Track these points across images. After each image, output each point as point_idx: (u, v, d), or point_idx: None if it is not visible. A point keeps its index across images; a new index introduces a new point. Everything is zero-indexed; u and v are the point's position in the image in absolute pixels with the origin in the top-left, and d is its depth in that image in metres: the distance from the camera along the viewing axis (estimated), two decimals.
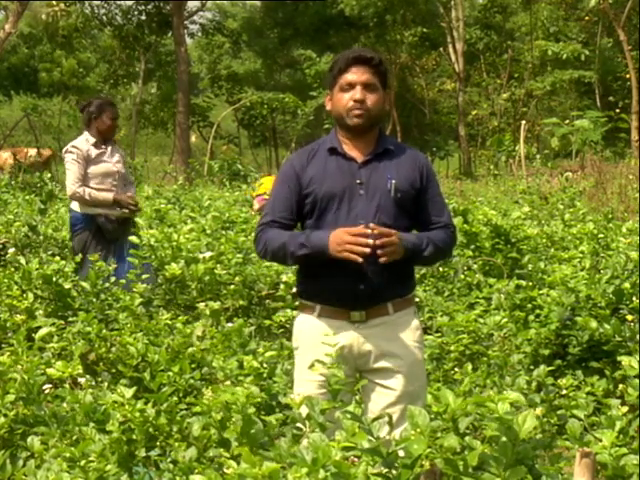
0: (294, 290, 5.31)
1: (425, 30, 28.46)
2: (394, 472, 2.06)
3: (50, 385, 3.40)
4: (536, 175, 14.14)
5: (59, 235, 7.93)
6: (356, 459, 2.18)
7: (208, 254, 5.92)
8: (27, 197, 10.60)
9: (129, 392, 2.89)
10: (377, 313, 2.94)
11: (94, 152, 5.99)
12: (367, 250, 2.73)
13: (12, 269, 5.73)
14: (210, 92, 37.49)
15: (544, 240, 7.14)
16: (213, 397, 2.80)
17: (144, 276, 5.38)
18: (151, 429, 2.88)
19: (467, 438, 2.27)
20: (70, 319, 4.87)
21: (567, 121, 18.55)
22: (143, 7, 29.43)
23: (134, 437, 2.80)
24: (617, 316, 4.76)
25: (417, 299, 5.26)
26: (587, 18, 27.30)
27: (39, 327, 4.07)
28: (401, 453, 2.09)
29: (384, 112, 3.08)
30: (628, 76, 22.92)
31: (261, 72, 35.22)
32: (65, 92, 32.00)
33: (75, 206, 6.01)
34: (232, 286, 5.75)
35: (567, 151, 19.08)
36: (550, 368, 4.21)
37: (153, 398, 3.03)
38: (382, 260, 2.77)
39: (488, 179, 17.51)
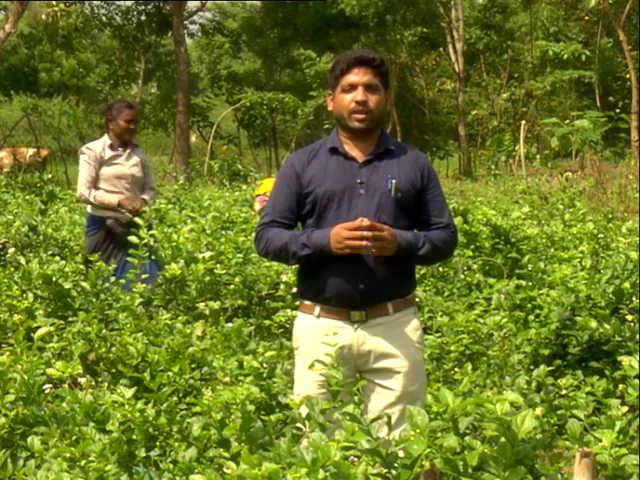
0: (294, 290, 5.31)
1: (425, 30, 28.42)
2: (394, 472, 2.06)
3: (50, 385, 3.40)
4: (536, 175, 14.13)
5: (59, 235, 7.93)
6: (356, 459, 2.19)
7: (208, 254, 5.92)
8: (27, 197, 10.60)
9: (129, 392, 2.89)
10: (377, 313, 2.94)
11: (108, 154, 6.05)
12: (364, 242, 2.75)
13: (12, 269, 5.74)
14: (210, 92, 37.46)
15: (544, 240, 7.14)
16: (213, 397, 2.80)
17: (144, 276, 5.38)
18: (151, 429, 2.88)
19: (467, 438, 2.27)
20: (70, 319, 4.87)
21: (567, 121, 18.53)
22: (143, 7, 29.39)
23: (134, 437, 2.80)
24: (617, 316, 4.77)
25: (417, 299, 5.26)
26: (587, 18, 27.28)
27: (39, 327, 4.06)
28: (401, 453, 2.09)
29: (386, 112, 3.09)
30: (628, 76, 22.90)
31: (261, 72, 35.18)
32: (65, 92, 31.97)
33: (89, 207, 6.15)
34: (232, 286, 5.75)
35: (567, 151, 19.06)
36: (550, 368, 4.21)
37: (153, 398, 3.03)
38: (372, 252, 2.78)
39: (488, 179, 17.51)
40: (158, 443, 2.93)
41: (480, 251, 6.59)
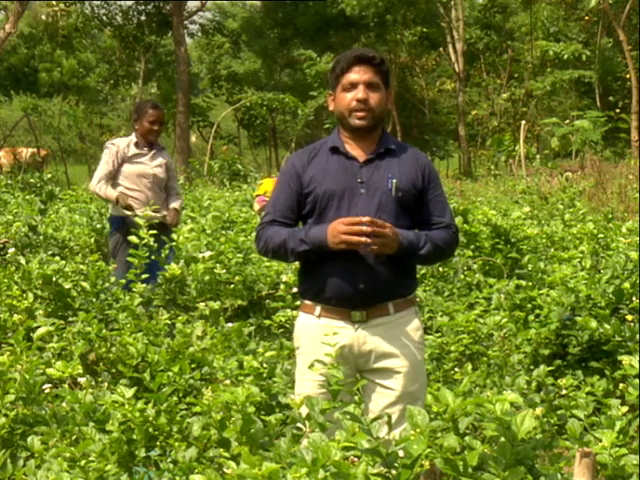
0: (294, 290, 5.31)
1: (425, 30, 28.43)
2: (394, 472, 2.06)
3: (50, 385, 3.40)
4: (536, 175, 14.13)
5: (59, 235, 7.93)
6: (356, 459, 2.18)
7: (208, 254, 5.92)
8: (27, 197, 10.60)
9: (129, 392, 2.89)
10: (378, 313, 2.94)
11: (132, 151, 6.14)
12: (363, 239, 2.74)
13: (12, 269, 5.74)
14: (210, 92, 37.48)
15: (544, 240, 7.14)
16: (213, 397, 2.80)
17: (144, 275, 5.38)
18: (151, 429, 2.88)
19: (467, 438, 2.27)
20: (70, 319, 4.87)
21: (567, 121, 18.54)
22: (143, 7, 29.39)
23: (134, 437, 2.80)
24: (617, 316, 4.77)
25: (417, 299, 5.26)
26: (587, 18, 27.27)
27: (39, 327, 4.06)
28: (401, 453, 2.09)
29: (386, 111, 3.09)
30: (628, 76, 22.90)
31: (261, 72, 35.19)
32: (65, 92, 31.99)
33: (110, 208, 6.28)
34: (232, 286, 5.75)
35: (567, 151, 19.06)
36: (550, 368, 4.21)
37: (153, 398, 3.03)
38: (373, 249, 2.78)
39: (488, 179, 17.51)
40: (158, 443, 2.93)
41: (480, 251, 6.59)
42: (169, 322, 4.76)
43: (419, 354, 3.00)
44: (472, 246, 6.63)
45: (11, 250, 6.47)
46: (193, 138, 34.16)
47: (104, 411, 2.86)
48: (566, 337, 4.70)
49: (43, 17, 29.20)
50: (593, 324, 4.51)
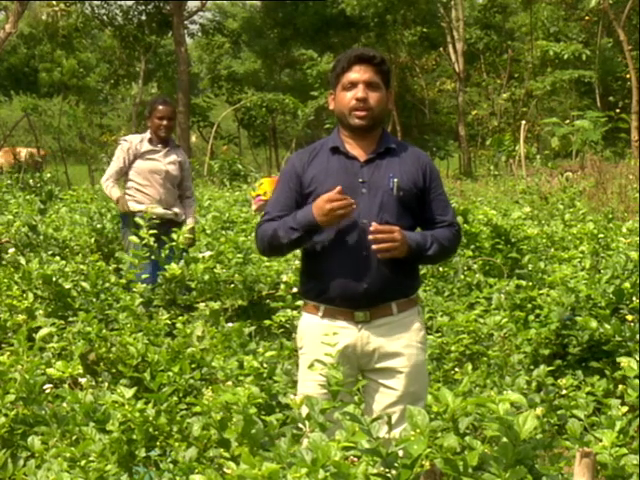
0: (294, 290, 5.31)
1: (425, 30, 28.44)
2: (394, 472, 2.06)
3: (50, 385, 3.40)
4: (536, 175, 14.13)
5: (59, 235, 7.93)
6: (356, 459, 2.18)
7: (208, 254, 5.92)
8: (27, 197, 10.59)
9: (129, 392, 2.89)
10: (381, 313, 2.94)
11: (145, 147, 6.12)
12: (349, 210, 2.77)
13: (12, 269, 5.73)
14: (210, 92, 37.49)
15: (544, 240, 7.14)
16: (213, 397, 2.80)
17: (144, 276, 5.38)
18: (151, 429, 2.88)
19: (467, 438, 2.27)
20: (70, 319, 4.87)
21: (567, 121, 18.55)
22: (143, 7, 29.39)
23: (134, 437, 2.80)
24: (617, 316, 4.76)
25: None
26: (587, 18, 27.28)
27: (39, 327, 4.06)
28: (401, 453, 2.09)
29: (387, 111, 3.09)
30: (628, 76, 22.91)
31: (261, 72, 35.19)
32: (65, 92, 31.98)
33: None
34: (232, 286, 5.75)
35: (567, 151, 19.07)
36: (550, 368, 4.21)
37: (153, 398, 3.03)
38: (382, 255, 2.78)
39: (488, 179, 17.51)
40: (158, 443, 2.93)
41: (480, 251, 6.59)
42: (169, 322, 4.76)
43: (421, 354, 3.00)
44: (472, 246, 6.63)
45: (11, 250, 6.47)
46: (193, 138, 34.16)
47: (104, 411, 2.86)
48: (566, 337, 4.70)
49: (43, 17, 29.20)
50: (593, 324, 4.51)
